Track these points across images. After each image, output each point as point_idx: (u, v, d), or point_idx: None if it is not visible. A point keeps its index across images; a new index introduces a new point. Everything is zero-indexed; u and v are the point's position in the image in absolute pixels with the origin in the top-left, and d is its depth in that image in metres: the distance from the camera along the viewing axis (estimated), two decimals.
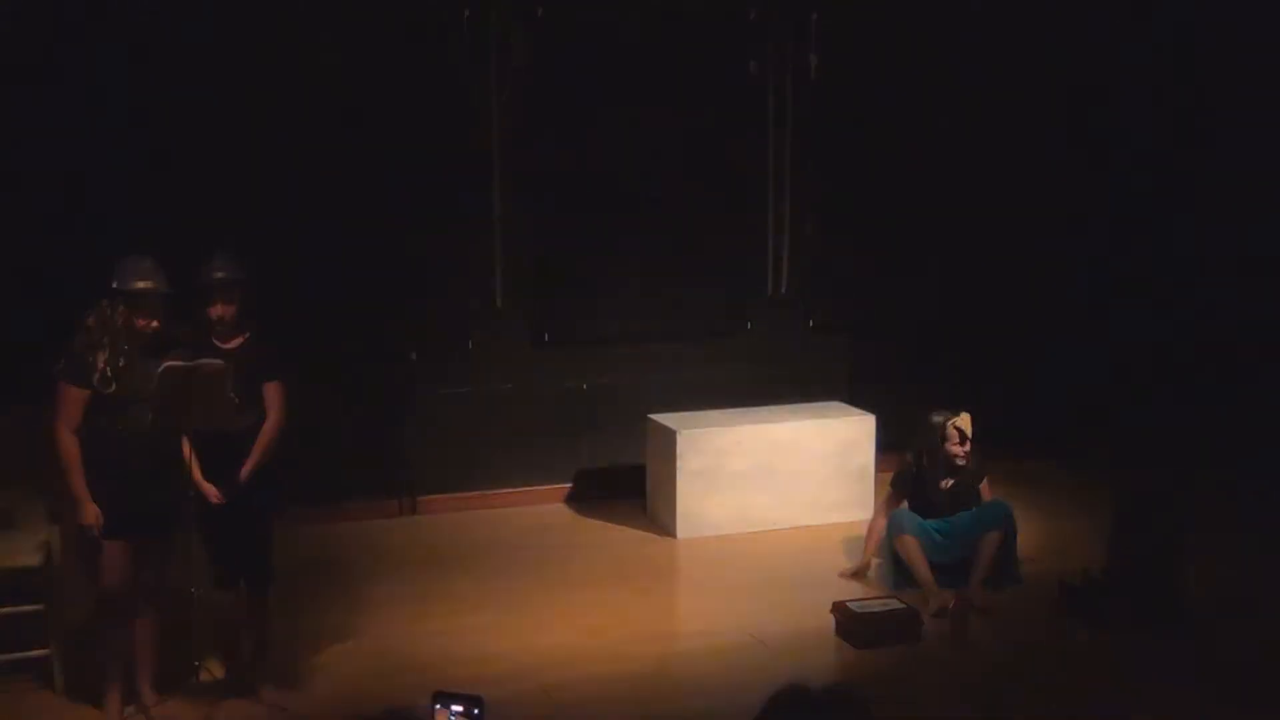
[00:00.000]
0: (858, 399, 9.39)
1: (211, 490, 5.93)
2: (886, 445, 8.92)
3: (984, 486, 7.63)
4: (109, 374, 5.64)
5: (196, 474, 5.88)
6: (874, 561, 7.69)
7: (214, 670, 6.25)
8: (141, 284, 5.67)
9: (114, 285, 5.68)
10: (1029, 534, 8.43)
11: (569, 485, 9.16)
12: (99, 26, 7.86)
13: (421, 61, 8.51)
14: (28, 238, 7.88)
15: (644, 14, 8.94)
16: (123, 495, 5.71)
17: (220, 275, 5.98)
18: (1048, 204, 9.92)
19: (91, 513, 5.67)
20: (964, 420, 7.43)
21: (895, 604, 7.01)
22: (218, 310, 5.98)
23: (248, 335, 6.06)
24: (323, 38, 8.34)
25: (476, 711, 3.01)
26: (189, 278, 5.97)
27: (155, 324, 5.69)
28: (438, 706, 3.00)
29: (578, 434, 9.17)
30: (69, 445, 5.67)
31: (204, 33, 8.08)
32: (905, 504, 7.55)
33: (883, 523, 7.58)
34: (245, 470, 5.98)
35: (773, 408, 9.04)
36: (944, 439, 7.44)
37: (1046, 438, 9.95)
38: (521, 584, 7.66)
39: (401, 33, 8.46)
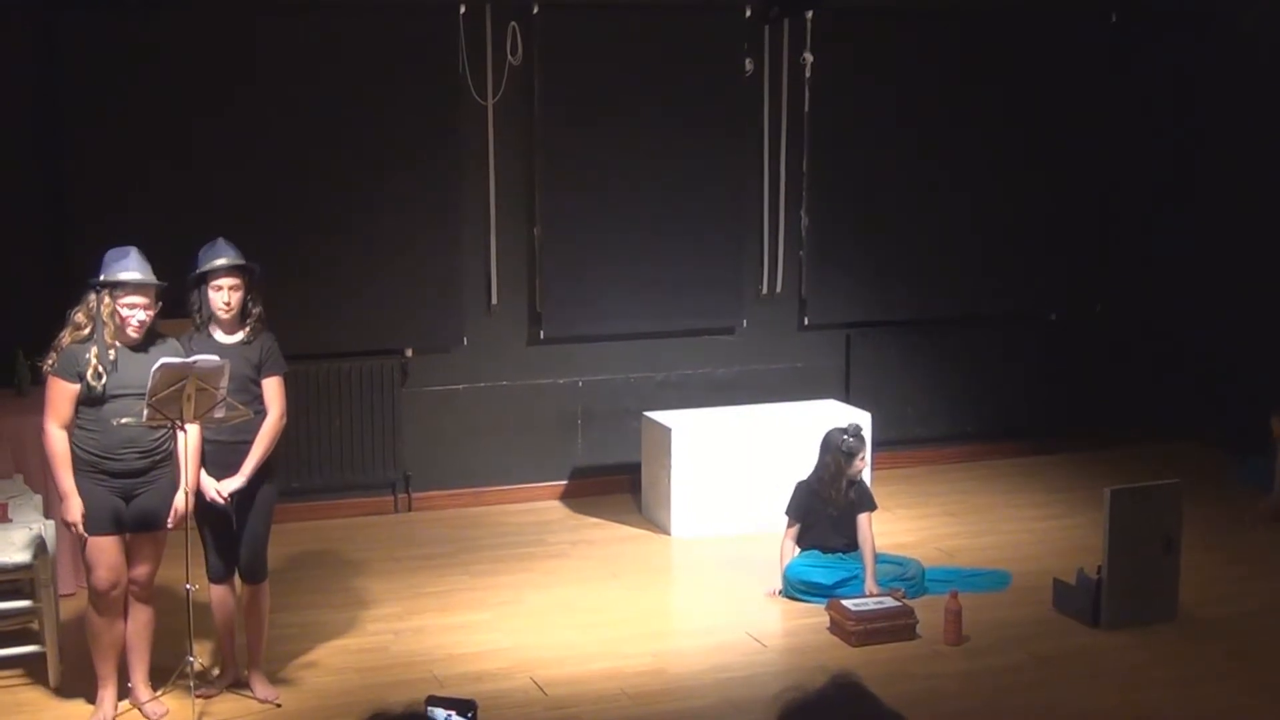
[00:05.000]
0: (853, 397, 9.40)
1: (213, 489, 5.92)
2: (882, 444, 8.92)
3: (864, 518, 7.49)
4: (100, 369, 5.62)
5: (198, 473, 5.87)
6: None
7: (208, 665, 6.24)
8: (126, 274, 5.65)
9: (100, 277, 5.67)
10: (1023, 532, 8.45)
11: (564, 483, 9.15)
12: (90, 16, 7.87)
13: (417, 58, 8.50)
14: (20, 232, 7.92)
15: (640, 12, 8.93)
16: (114, 491, 5.70)
17: (224, 264, 5.90)
18: (1046, 196, 9.91)
19: (75, 509, 5.65)
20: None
21: (890, 602, 7.01)
22: (225, 296, 5.89)
23: (248, 329, 6.01)
24: (317, 33, 8.33)
25: (470, 715, 3.00)
26: (187, 271, 5.96)
27: (142, 317, 5.67)
28: (431, 709, 2.98)
29: (573, 431, 9.17)
30: (58, 441, 5.66)
31: (198, 29, 8.08)
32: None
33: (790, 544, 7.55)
34: (247, 467, 5.96)
35: (768, 406, 9.04)
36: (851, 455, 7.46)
37: (1047, 435, 10.00)
38: (516, 581, 7.66)
39: (397, 29, 8.45)
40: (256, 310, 6.01)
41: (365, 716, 2.33)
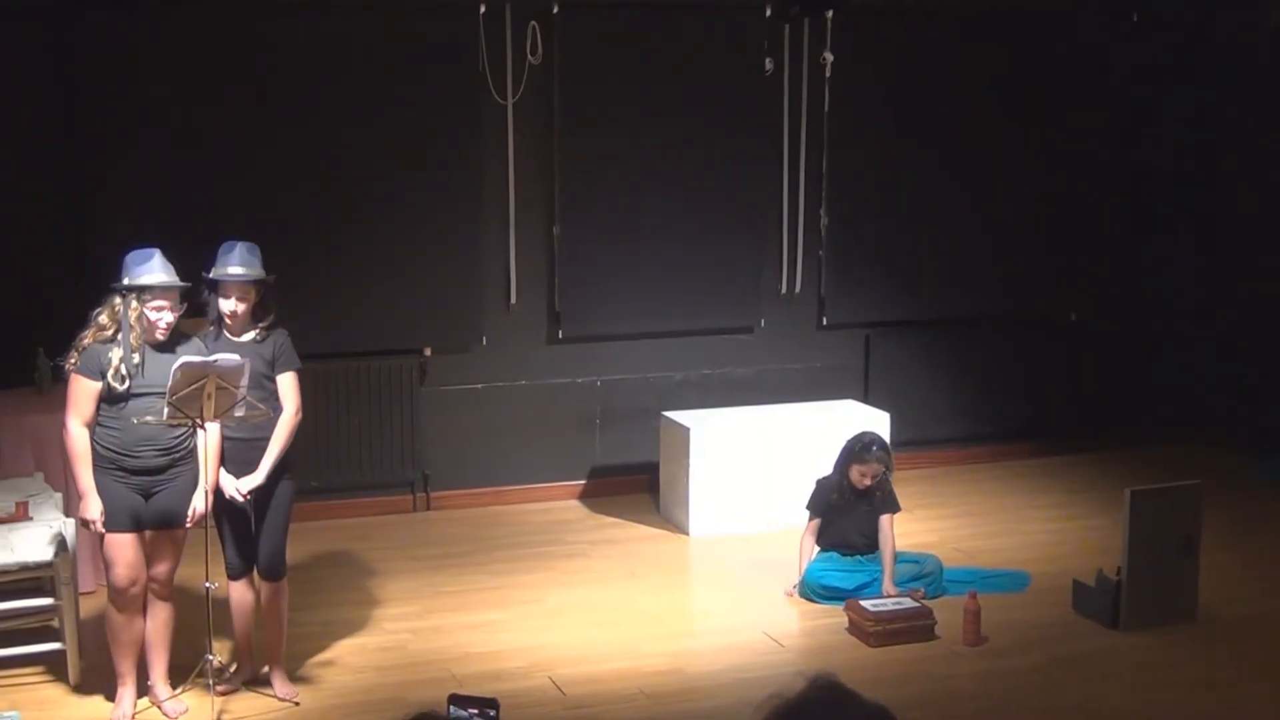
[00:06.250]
0: (872, 398, 9.39)
1: (231, 487, 5.94)
2: (901, 444, 8.90)
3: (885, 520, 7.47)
4: (123, 369, 5.64)
5: (217, 471, 5.89)
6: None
7: (226, 663, 6.26)
8: (152, 278, 5.67)
9: (124, 280, 5.68)
10: (1042, 533, 8.42)
11: (582, 482, 9.16)
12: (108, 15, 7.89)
13: (437, 58, 8.50)
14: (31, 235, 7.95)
15: (660, 11, 8.93)
16: (133, 488, 5.72)
17: (238, 271, 5.94)
18: (1066, 196, 9.89)
19: (94, 507, 5.67)
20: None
21: (909, 603, 7.00)
22: (232, 305, 5.94)
23: (260, 328, 6.04)
24: (337, 33, 8.35)
25: (492, 714, 3.00)
26: (204, 269, 5.97)
27: (169, 319, 5.69)
28: (453, 709, 2.98)
29: (591, 431, 9.17)
30: (78, 439, 5.68)
31: (217, 29, 8.10)
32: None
33: (810, 540, 7.54)
34: (265, 464, 5.98)
35: (787, 406, 9.03)
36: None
37: (1067, 435, 9.97)
38: (534, 580, 7.67)
39: (417, 29, 8.46)
40: (269, 318, 6.05)
41: (410, 716, 2.35)
